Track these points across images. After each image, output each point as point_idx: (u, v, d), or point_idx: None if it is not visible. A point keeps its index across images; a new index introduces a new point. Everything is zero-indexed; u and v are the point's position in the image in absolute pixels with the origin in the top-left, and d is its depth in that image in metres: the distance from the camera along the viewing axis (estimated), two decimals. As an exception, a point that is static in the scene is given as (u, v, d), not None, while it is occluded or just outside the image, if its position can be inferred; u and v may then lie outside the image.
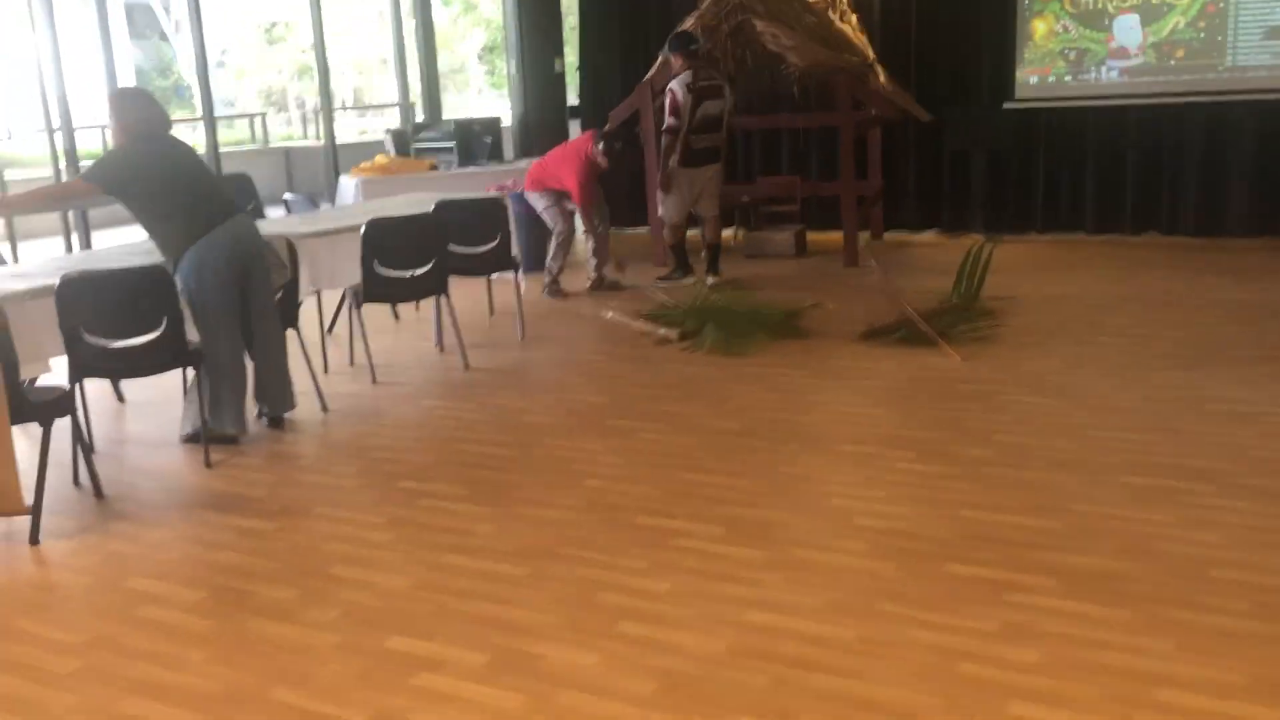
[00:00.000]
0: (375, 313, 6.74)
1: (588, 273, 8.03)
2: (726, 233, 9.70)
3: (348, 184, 9.02)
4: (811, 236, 9.16)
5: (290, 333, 5.40)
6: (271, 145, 16.57)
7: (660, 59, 8.27)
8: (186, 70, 22.02)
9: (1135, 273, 7.54)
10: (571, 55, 11.60)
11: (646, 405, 5.24)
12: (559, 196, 7.90)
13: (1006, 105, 8.72)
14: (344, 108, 24.11)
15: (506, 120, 11.18)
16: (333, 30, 22.97)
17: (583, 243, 8.18)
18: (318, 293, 6.10)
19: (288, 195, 7.32)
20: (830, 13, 8.44)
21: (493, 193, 8.46)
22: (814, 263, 8.57)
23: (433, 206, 6.38)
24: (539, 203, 7.92)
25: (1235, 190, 8.31)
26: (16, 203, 4.71)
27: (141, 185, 4.68)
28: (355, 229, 5.84)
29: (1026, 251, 8.44)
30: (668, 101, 7.34)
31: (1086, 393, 5.04)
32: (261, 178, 15.32)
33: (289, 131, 17.79)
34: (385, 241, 5.77)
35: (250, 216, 4.96)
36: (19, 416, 3.96)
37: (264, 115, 17.58)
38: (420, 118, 11.08)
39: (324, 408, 5.40)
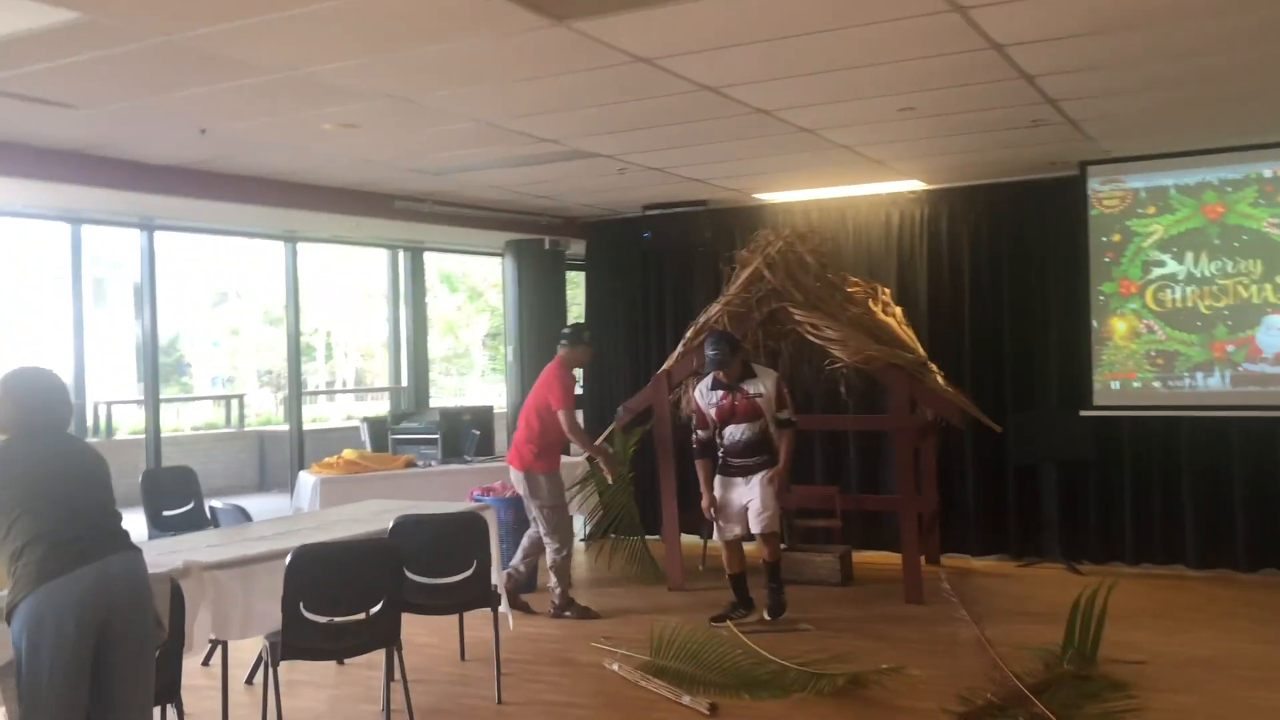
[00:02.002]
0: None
1: (554, 593, 6.59)
2: (749, 547, 8.27)
3: (306, 482, 7.63)
4: (855, 558, 7.69)
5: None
6: (247, 428, 15.35)
7: (682, 347, 7.08)
8: (189, 349, 21.39)
9: (1274, 627, 5.97)
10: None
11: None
12: (557, 486, 6.55)
13: (1084, 413, 7.45)
14: (339, 390, 23.24)
15: (501, 408, 10.00)
16: (335, 312, 22.57)
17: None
18: (222, 644, 4.53)
19: (215, 502, 5.91)
20: (872, 304, 7.34)
21: (475, 499, 7.08)
22: (864, 594, 7.02)
23: (390, 524, 4.96)
24: (540, 489, 6.59)
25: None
26: None
27: None
28: (280, 557, 4.37)
29: (1124, 589, 6.90)
30: (779, 395, 6.17)
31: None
32: (230, 464, 14.05)
33: (268, 414, 16.65)
34: (317, 577, 4.28)
35: (138, 555, 3.53)
36: None
37: (241, 396, 16.47)
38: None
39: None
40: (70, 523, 3.39)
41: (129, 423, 14.92)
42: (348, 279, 20.58)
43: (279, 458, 13.59)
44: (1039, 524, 7.82)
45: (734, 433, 6.16)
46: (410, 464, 8.01)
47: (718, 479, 6.27)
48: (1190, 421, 7.30)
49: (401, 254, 9.87)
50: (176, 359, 22.89)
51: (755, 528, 6.08)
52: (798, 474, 8.29)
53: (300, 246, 8.95)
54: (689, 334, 7.06)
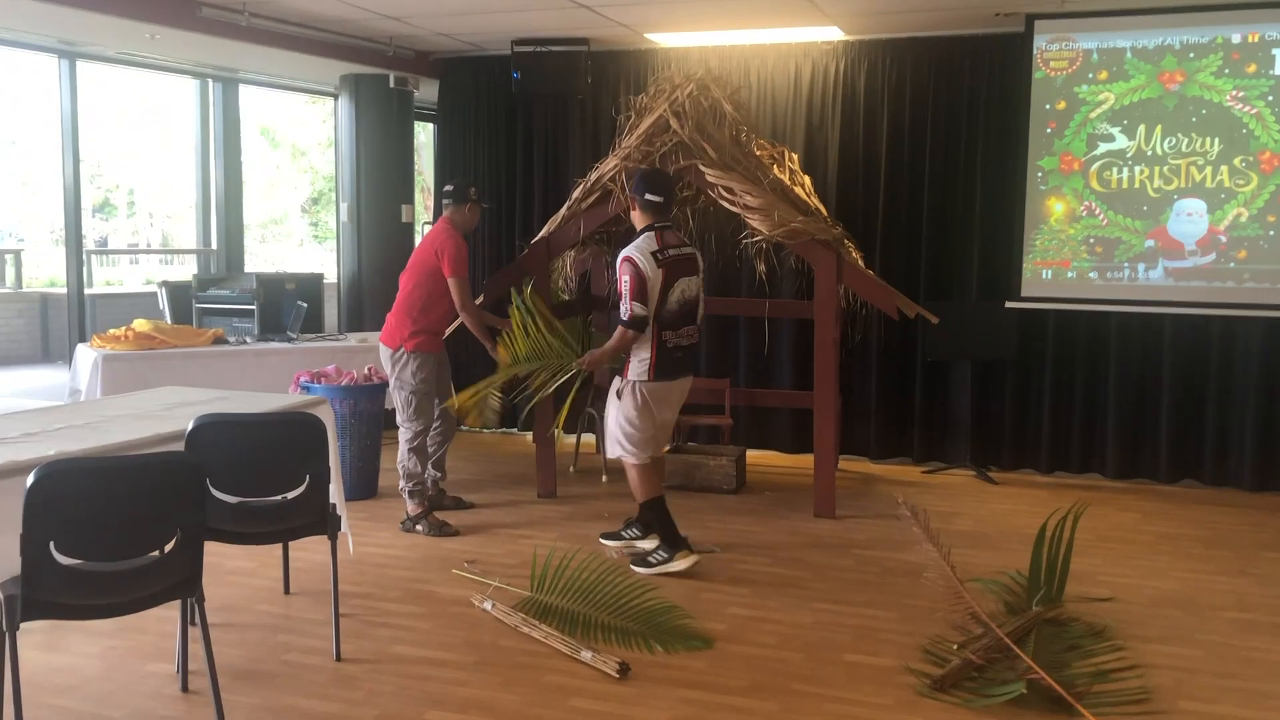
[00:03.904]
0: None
1: (404, 497, 5.51)
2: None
3: (85, 359, 6.12)
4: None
5: None
6: (27, 290, 13.25)
7: (567, 211, 5.84)
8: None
9: (1226, 551, 5.33)
10: (424, 213, 9.18)
11: None
12: (432, 367, 5.40)
13: (1010, 304, 6.64)
14: (141, 250, 20.84)
15: (332, 278, 8.56)
16: (140, 164, 19.97)
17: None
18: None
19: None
20: (778, 170, 6.24)
21: (303, 387, 5.77)
22: (764, 505, 6.08)
23: (190, 425, 3.64)
24: (405, 372, 5.41)
25: (1304, 433, 6.38)
26: None
27: None
28: (20, 473, 3.02)
29: (1045, 502, 6.20)
30: (622, 278, 4.65)
31: None
32: (7, 330, 12.05)
33: (55, 275, 14.38)
34: (77, 504, 2.95)
35: None
36: None
37: (18, 252, 14.19)
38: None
39: None
40: None
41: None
42: (153, 128, 18.16)
43: (65, 324, 11.72)
44: (947, 426, 7.05)
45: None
46: (219, 340, 6.57)
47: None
48: (1121, 319, 6.59)
49: (213, 87, 8.16)
50: (-49, 214, 20.06)
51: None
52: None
53: (82, 66, 7.17)
54: (576, 194, 5.80)
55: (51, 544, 2.91)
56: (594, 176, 5.72)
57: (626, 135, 5.82)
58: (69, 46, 6.88)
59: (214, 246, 8.57)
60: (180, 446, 3.64)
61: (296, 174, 22.66)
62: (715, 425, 6.83)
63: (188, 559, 3.16)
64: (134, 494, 3.03)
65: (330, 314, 8.25)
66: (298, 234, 23.29)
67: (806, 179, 6.62)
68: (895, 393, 7.11)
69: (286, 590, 4.50)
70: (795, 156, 6.68)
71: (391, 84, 7.82)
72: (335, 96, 8.29)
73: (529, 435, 7.89)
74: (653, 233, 4.70)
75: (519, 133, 7.89)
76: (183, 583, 3.20)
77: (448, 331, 5.73)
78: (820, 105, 7.14)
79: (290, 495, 3.79)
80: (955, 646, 3.88)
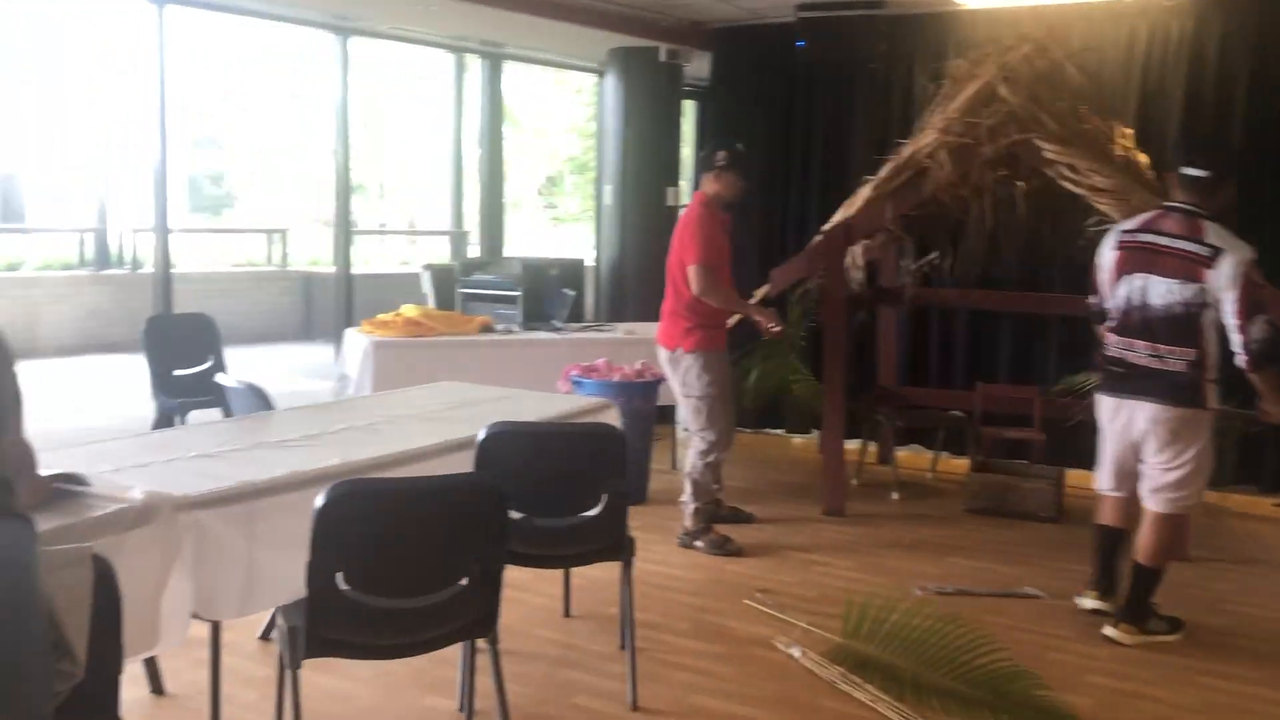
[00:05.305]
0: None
1: (685, 511, 4.90)
2: (907, 454, 6.53)
3: (356, 344, 5.91)
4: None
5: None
6: (290, 269, 13.67)
7: (872, 191, 5.16)
8: (235, 181, 19.70)
9: None
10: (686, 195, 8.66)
11: None
12: (719, 365, 4.83)
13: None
14: (391, 231, 21.49)
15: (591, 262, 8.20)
16: (390, 145, 20.50)
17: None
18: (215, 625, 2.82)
19: (226, 379, 4.12)
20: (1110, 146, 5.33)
21: (574, 382, 5.34)
22: (1085, 537, 5.21)
23: (481, 434, 3.20)
24: (690, 376, 4.81)
25: None
26: None
27: None
28: (308, 485, 2.64)
29: None
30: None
31: None
32: (273, 308, 12.44)
33: (315, 256, 14.70)
34: (368, 530, 2.53)
35: (25, 530, 1.80)
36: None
37: (284, 231, 14.65)
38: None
39: None
40: None
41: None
42: (406, 108, 18.49)
43: (326, 303, 11.96)
44: (1308, 453, 5.94)
45: None
46: (486, 328, 6.26)
47: None
48: None
49: (479, 64, 7.91)
50: (226, 191, 21.18)
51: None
52: (984, 366, 6.51)
53: (353, 44, 7.04)
54: (884, 172, 5.12)
55: (339, 575, 2.51)
56: (907, 152, 5.01)
57: (941, 106, 5.07)
58: (342, 21, 6.73)
59: (465, 228, 8.38)
60: (468, 454, 3.23)
61: (542, 155, 22.73)
62: (1023, 441, 5.97)
63: (485, 596, 2.72)
64: (432, 521, 2.59)
65: (589, 301, 7.89)
66: (531, 215, 23.41)
67: (1143, 158, 5.66)
68: (1239, 408, 6.04)
69: (566, 612, 4.05)
70: (1129, 132, 5.73)
71: (662, 57, 7.34)
72: (600, 73, 7.88)
73: (795, 438, 7.28)
74: (1155, 213, 3.90)
75: (798, 109, 7.24)
76: (477, 622, 2.76)
77: (730, 322, 5.16)
78: (1159, 73, 6.13)
79: (586, 515, 3.31)
80: None
